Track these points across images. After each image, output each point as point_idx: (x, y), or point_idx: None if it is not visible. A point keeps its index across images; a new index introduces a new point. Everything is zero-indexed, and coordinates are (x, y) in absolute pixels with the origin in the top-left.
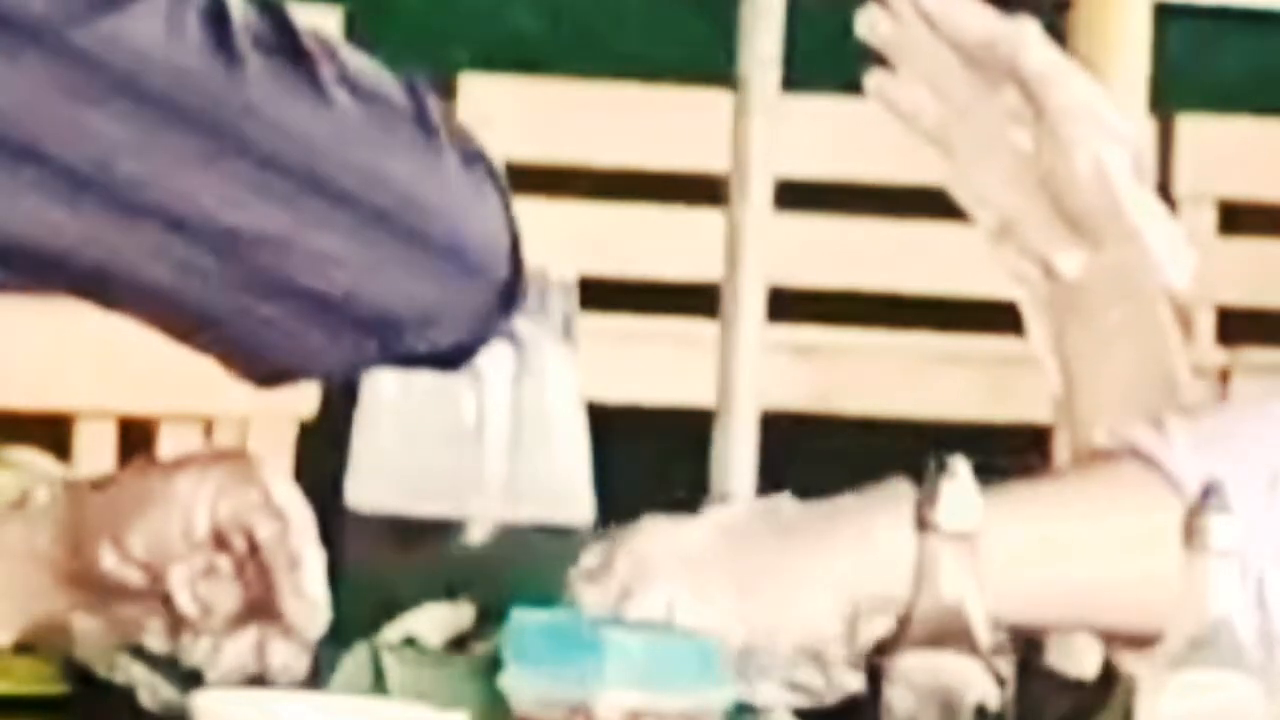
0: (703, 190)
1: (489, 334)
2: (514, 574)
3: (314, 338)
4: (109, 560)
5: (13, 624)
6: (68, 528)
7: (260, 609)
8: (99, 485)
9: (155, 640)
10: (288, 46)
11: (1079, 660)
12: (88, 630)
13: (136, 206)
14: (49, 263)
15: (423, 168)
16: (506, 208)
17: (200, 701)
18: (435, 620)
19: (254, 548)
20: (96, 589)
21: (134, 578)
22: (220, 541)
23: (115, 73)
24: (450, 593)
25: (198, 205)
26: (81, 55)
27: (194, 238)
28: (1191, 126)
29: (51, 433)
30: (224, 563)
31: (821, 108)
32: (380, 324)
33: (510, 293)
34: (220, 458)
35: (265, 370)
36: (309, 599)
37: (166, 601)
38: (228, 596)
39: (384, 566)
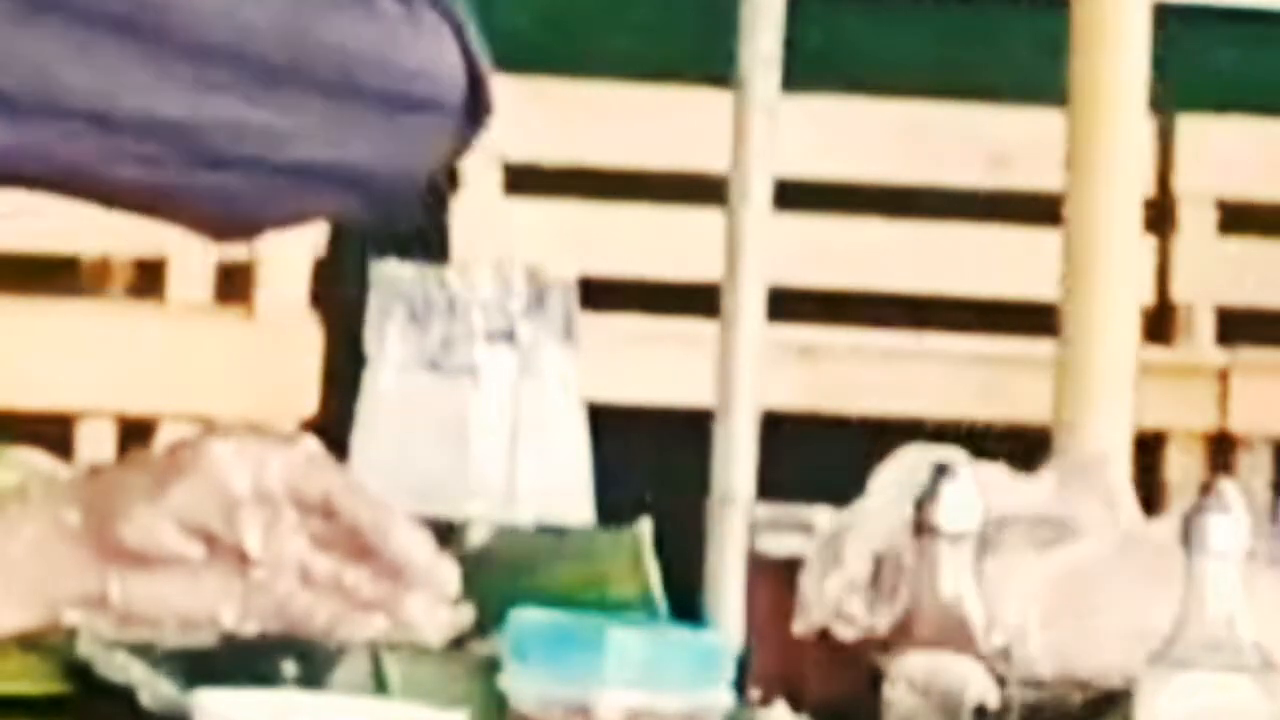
0: (703, 190)
1: (464, 149)
2: (514, 574)
3: (286, 199)
4: (147, 525)
5: (39, 601)
6: (96, 503)
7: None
8: (130, 464)
9: (229, 613)
10: None
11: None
12: (134, 600)
13: (76, 114)
14: None
15: (353, 20)
16: (458, 28)
17: (200, 701)
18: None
19: (329, 513)
20: (138, 559)
21: (179, 543)
22: (270, 501)
23: None
24: None
25: (138, 103)
26: None
27: (144, 134)
28: (1191, 126)
29: (52, 432)
30: (289, 520)
31: (821, 108)
32: (350, 180)
33: (475, 109)
34: (255, 431)
35: (237, 230)
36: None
37: (227, 558)
38: (295, 549)
39: None
